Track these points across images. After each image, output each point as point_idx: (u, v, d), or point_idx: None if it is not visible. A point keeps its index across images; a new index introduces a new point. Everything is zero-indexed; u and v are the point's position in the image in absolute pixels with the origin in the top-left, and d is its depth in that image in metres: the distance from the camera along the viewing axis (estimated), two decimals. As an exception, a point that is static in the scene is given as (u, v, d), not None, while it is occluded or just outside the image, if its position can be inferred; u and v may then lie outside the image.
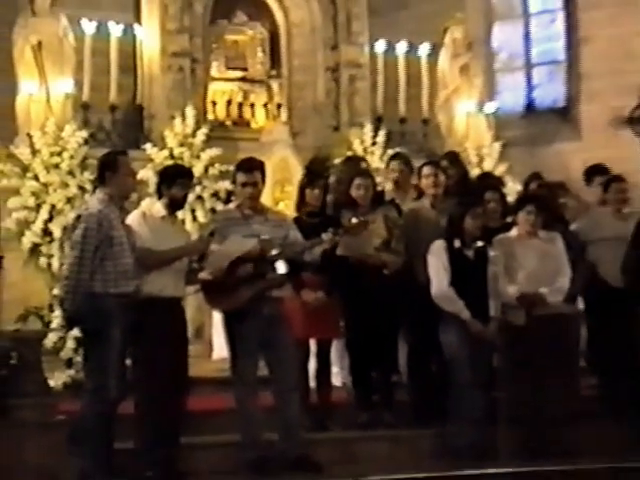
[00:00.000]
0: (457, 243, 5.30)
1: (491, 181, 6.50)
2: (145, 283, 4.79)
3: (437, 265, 5.28)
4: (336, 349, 5.72)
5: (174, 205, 5.02)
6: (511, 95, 10.97)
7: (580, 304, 6.00)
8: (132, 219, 4.92)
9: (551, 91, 10.96)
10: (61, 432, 4.85)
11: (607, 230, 5.97)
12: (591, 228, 6.03)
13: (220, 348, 6.07)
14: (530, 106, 11.02)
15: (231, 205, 5.40)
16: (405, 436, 5.38)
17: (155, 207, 5.01)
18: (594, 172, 6.57)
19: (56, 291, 6.85)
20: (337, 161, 7.32)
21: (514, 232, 5.57)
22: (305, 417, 5.12)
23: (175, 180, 5.01)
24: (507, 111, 10.48)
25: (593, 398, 5.88)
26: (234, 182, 5.25)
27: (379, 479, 4.67)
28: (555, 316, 5.37)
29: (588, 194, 6.54)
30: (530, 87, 11.05)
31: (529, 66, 11.06)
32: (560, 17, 10.87)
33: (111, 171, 4.82)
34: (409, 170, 6.07)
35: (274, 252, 4.91)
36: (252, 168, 5.13)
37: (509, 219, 5.75)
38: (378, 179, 6.41)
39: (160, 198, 5.02)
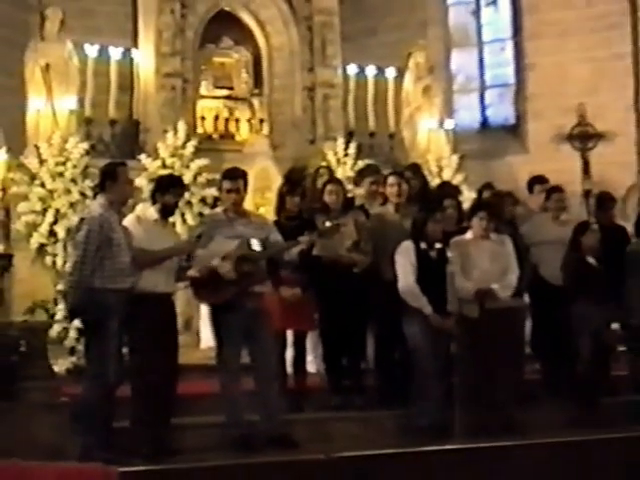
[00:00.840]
0: (423, 245, 5.29)
1: (449, 189, 6.48)
2: (140, 280, 4.75)
3: (405, 263, 5.25)
4: (311, 339, 5.69)
5: (166, 211, 4.98)
6: (467, 113, 11.03)
7: (526, 298, 6.02)
8: (127, 222, 4.87)
9: (502, 110, 11.04)
10: (65, 412, 4.81)
11: (548, 234, 5.98)
12: (534, 232, 6.02)
13: (207, 338, 6.05)
14: (484, 123, 11.09)
15: (218, 209, 5.36)
16: (373, 417, 5.35)
17: (149, 211, 4.97)
18: (535, 182, 6.59)
19: (60, 286, 6.80)
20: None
21: (469, 235, 5.57)
22: (283, 400, 5.07)
23: (168, 189, 4.96)
24: (464, 127, 10.54)
25: (537, 382, 5.90)
26: (220, 189, 5.22)
27: (348, 455, 4.64)
28: (505, 310, 5.37)
29: (531, 202, 6.57)
30: (484, 107, 11.12)
31: (483, 88, 11.14)
32: (509, 46, 10.97)
33: (111, 180, 4.78)
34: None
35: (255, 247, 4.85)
36: (236, 176, 5.10)
37: (465, 224, 5.75)
38: (349, 187, 6.40)
39: (154, 204, 4.97)
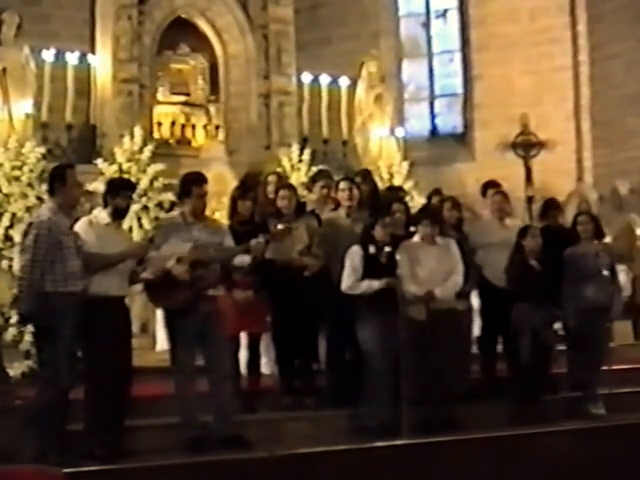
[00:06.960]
0: (372, 249, 5.26)
1: (396, 194, 6.48)
2: (92, 284, 4.62)
3: (349, 267, 5.24)
4: (265, 341, 5.62)
5: (118, 213, 4.84)
6: (417, 122, 11.14)
7: (475, 300, 6.03)
8: (79, 226, 4.73)
9: (450, 119, 11.17)
10: (19, 416, 4.64)
11: (493, 237, 5.99)
12: (480, 235, 6.03)
13: (163, 341, 5.93)
14: (433, 131, 11.21)
15: (174, 213, 5.24)
16: (323, 416, 5.31)
17: (101, 215, 4.83)
18: (488, 187, 6.62)
19: (15, 290, 6.62)
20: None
21: (417, 239, 5.57)
22: (236, 401, 5.01)
23: (119, 191, 4.84)
24: (414, 135, 10.64)
25: (482, 380, 5.92)
26: (187, 194, 4.94)
27: (290, 453, 4.58)
28: (450, 311, 5.38)
29: (484, 205, 6.57)
30: (433, 115, 11.24)
31: (432, 97, 11.25)
32: (457, 57, 11.12)
33: (60, 183, 4.62)
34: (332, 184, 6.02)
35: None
36: (206, 181, 4.98)
37: (412, 228, 5.75)
38: (304, 192, 6.36)
39: (106, 207, 4.84)
